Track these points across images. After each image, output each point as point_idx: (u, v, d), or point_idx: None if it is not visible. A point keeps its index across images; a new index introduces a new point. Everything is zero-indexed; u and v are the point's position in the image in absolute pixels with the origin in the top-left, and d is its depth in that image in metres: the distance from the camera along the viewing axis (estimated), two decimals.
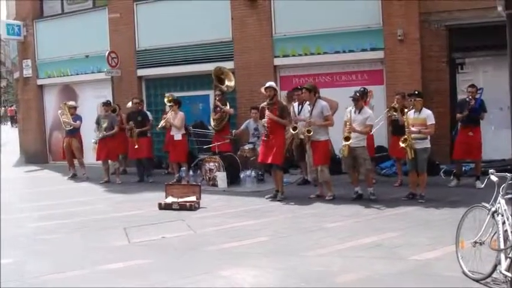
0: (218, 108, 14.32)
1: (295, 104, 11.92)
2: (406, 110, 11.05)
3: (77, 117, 15.90)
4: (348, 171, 11.11)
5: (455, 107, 12.55)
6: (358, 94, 11.00)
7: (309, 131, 10.90)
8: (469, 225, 6.06)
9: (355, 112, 10.85)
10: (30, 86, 20.52)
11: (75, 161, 16.21)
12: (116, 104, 15.95)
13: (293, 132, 11.34)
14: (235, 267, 6.73)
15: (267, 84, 11.54)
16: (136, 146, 14.27)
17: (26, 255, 7.72)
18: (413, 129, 10.30)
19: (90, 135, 15.72)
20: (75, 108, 16.09)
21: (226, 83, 14.55)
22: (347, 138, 10.57)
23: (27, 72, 20.34)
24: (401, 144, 10.28)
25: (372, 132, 11.50)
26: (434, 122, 10.41)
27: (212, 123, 14.50)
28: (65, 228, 9.43)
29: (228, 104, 14.51)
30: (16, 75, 22.92)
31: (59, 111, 16.02)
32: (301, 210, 10.32)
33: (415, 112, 10.50)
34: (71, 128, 15.70)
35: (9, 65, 65.30)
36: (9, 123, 47.45)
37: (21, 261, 7.40)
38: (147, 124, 14.82)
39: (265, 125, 11.24)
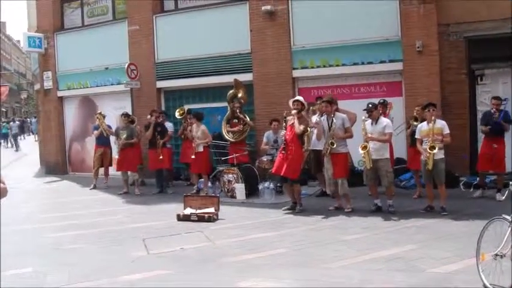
0: (235, 120, 14.39)
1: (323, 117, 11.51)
2: (416, 123, 11.22)
3: (109, 127, 16.24)
4: (369, 183, 11.08)
5: (480, 120, 12.41)
6: (371, 105, 10.98)
7: (332, 143, 10.88)
8: (490, 238, 5.98)
9: (372, 124, 10.85)
10: (51, 98, 20.75)
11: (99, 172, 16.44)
12: (133, 116, 16.07)
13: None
14: (253, 279, 6.72)
15: (296, 98, 11.60)
16: (161, 157, 14.38)
17: (46, 265, 7.76)
18: (438, 138, 10.28)
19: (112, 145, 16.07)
20: (104, 117, 16.35)
21: (239, 95, 14.64)
22: (364, 148, 10.56)
23: (48, 84, 20.57)
24: (431, 151, 10.15)
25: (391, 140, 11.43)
26: (449, 131, 10.48)
27: (227, 135, 14.53)
28: (84, 238, 9.49)
29: (247, 116, 14.60)
30: (37, 87, 23.18)
31: (97, 121, 16.19)
32: (319, 222, 10.29)
33: (428, 123, 10.46)
34: (108, 136, 15.97)
35: (30, 77, 66.31)
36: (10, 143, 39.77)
37: (41, 270, 7.44)
38: (166, 135, 14.92)
39: (284, 137, 11.24)
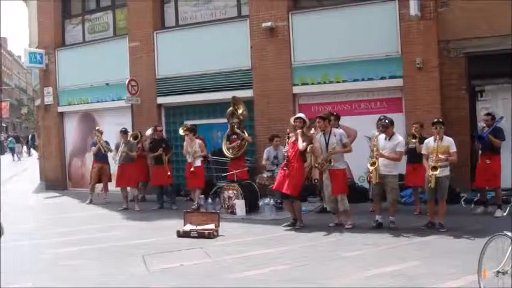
0: (234, 136, 14.36)
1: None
2: (414, 140, 11.34)
3: (106, 143, 16.20)
4: (375, 198, 11.02)
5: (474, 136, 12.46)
6: (387, 121, 10.86)
7: (330, 161, 10.85)
8: (491, 255, 5.95)
9: (385, 139, 10.77)
10: (51, 113, 20.75)
11: (97, 187, 16.43)
12: (138, 131, 16.05)
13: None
14: None
15: (297, 115, 11.60)
16: (169, 173, 14.43)
17: (46, 281, 7.73)
18: (441, 156, 10.14)
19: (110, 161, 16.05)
20: (101, 133, 16.34)
21: (239, 111, 14.61)
22: (373, 164, 10.51)
23: (49, 99, 20.58)
24: (432, 172, 10.10)
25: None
26: (456, 150, 10.36)
27: (226, 151, 14.50)
28: (84, 254, 9.45)
29: (245, 131, 14.56)
30: (37, 102, 23.19)
31: (95, 138, 16.18)
32: (320, 238, 10.25)
33: (435, 140, 10.37)
34: (105, 153, 15.95)
35: (31, 92, 66.46)
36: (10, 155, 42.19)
37: (41, 286, 7.42)
38: (169, 151, 14.92)
39: (286, 154, 11.21)
